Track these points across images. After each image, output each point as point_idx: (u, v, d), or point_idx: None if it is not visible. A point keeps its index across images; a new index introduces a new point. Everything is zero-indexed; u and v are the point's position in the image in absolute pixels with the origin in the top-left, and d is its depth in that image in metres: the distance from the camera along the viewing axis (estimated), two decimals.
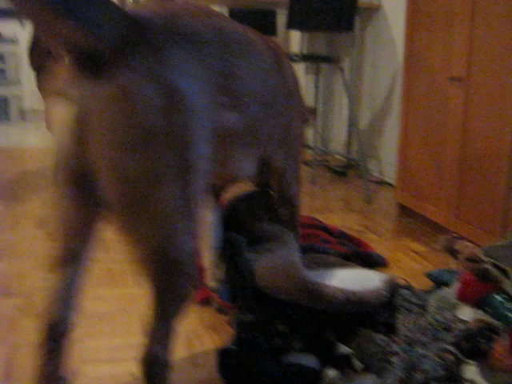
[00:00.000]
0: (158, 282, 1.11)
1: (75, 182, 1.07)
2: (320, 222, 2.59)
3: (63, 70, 1.04)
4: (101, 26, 0.94)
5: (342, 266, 2.00)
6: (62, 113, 1.04)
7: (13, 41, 6.02)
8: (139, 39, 1.01)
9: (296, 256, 1.72)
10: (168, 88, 1.00)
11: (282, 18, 4.66)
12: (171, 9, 1.16)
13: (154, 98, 0.98)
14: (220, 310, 1.79)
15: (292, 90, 1.64)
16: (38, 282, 2.03)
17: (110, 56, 0.97)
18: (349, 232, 2.54)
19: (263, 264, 1.68)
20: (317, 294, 1.53)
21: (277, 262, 1.66)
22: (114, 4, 0.97)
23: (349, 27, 3.27)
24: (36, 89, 3.98)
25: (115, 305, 1.87)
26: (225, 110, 1.23)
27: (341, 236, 2.43)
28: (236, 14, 4.32)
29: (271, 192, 2.03)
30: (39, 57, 3.81)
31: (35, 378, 1.20)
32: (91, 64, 0.98)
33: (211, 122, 1.14)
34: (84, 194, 1.08)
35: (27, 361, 1.53)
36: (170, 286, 1.12)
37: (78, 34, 0.92)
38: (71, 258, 1.16)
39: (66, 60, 1.01)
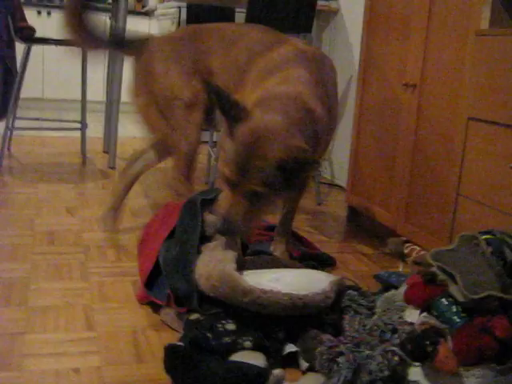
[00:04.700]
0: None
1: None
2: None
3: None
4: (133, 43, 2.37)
5: (290, 267, 1.99)
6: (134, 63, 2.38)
7: None
8: (145, 45, 2.32)
9: (230, 261, 1.64)
10: (148, 65, 2.29)
11: (240, 16, 4.65)
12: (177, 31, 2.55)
13: (144, 67, 2.31)
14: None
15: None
16: (15, 271, 1.97)
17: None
18: (299, 233, 2.55)
19: (202, 268, 1.64)
20: (260, 301, 1.51)
21: (212, 269, 1.61)
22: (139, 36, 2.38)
23: (307, 29, 3.28)
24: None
25: (60, 298, 1.82)
26: (204, 59, 2.26)
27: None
28: (194, 10, 4.27)
29: None
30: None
31: None
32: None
33: (188, 67, 2.26)
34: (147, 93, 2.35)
35: (6, 350, 1.49)
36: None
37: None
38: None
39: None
